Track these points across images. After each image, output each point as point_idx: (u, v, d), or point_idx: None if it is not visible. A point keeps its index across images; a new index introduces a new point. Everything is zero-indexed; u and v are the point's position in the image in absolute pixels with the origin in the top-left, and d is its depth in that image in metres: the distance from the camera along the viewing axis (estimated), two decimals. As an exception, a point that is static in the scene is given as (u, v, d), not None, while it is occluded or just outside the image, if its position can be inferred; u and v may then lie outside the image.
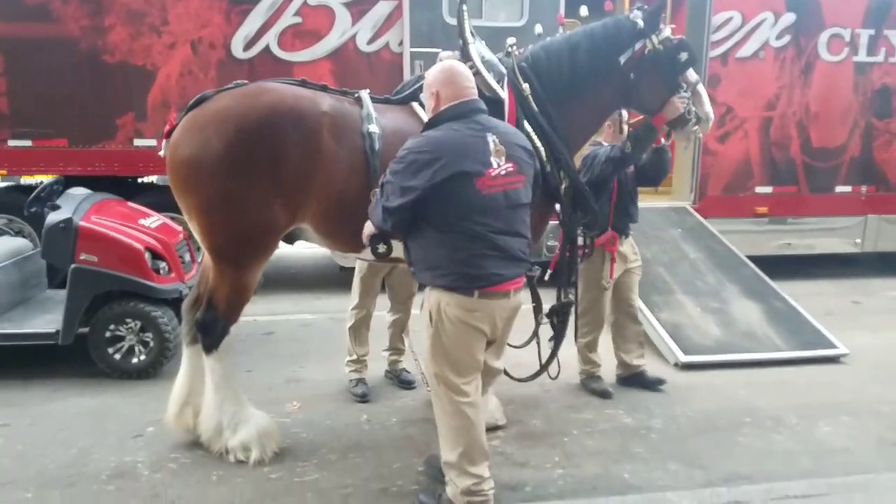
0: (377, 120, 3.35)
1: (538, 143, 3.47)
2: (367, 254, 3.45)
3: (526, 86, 3.57)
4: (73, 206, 4.55)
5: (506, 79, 3.59)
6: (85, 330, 4.56)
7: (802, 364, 5.04)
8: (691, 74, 3.65)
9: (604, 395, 4.42)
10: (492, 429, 3.85)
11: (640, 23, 3.58)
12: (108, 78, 6.13)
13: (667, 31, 3.61)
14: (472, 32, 3.66)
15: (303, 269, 8.34)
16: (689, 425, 4.08)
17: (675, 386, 4.66)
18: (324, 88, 3.50)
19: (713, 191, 7.44)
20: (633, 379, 4.62)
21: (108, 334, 4.54)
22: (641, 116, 3.97)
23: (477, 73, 3.58)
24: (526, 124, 3.50)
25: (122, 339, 4.57)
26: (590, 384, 4.52)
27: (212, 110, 3.26)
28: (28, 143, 6.11)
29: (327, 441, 3.78)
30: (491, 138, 2.77)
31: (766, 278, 6.06)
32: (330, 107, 3.35)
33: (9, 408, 4.15)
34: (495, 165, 2.74)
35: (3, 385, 4.45)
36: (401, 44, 6.43)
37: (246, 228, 3.27)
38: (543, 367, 3.82)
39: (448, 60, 3.11)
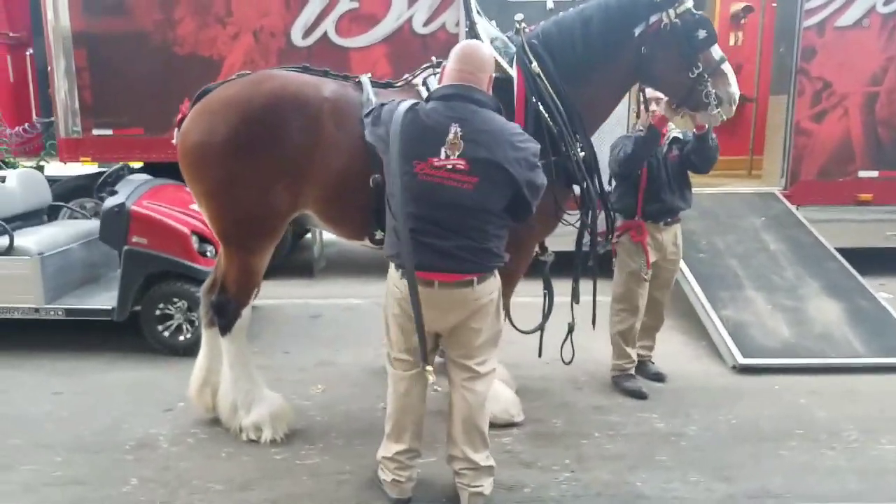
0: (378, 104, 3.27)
1: (549, 123, 3.34)
2: (368, 241, 3.45)
3: (535, 64, 3.38)
4: (129, 191, 4.83)
5: (515, 57, 3.43)
6: (139, 308, 4.84)
7: (882, 372, 4.47)
8: (715, 52, 3.43)
9: (637, 394, 4.14)
10: (506, 426, 3.74)
11: None
12: (178, 69, 6.42)
13: (687, 4, 3.37)
14: (478, 11, 3.52)
15: (359, 253, 8.40)
16: (729, 433, 3.73)
17: (726, 390, 4.29)
18: (325, 74, 3.49)
19: (807, 175, 6.74)
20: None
21: (157, 312, 4.80)
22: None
23: None
24: (538, 103, 3.37)
25: (170, 317, 4.81)
26: (622, 382, 4.24)
27: (219, 98, 3.33)
28: (109, 132, 6.56)
29: (339, 425, 3.80)
30: (454, 129, 2.60)
31: (856, 273, 5.43)
32: (332, 92, 3.34)
33: (66, 377, 4.49)
34: (443, 156, 2.60)
35: (65, 356, 4.81)
36: (458, 24, 6.29)
37: (251, 212, 3.32)
38: (544, 319, 3.79)
39: (468, 41, 2.99)
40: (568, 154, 3.39)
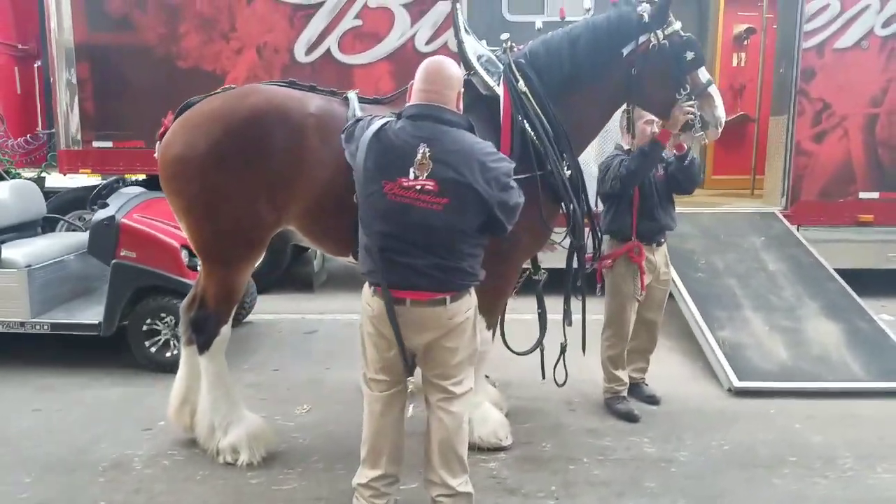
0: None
1: (535, 141, 3.33)
2: (351, 258, 3.40)
3: (522, 83, 3.37)
4: (120, 203, 4.80)
5: (501, 76, 3.42)
6: (126, 323, 4.79)
7: (880, 396, 4.37)
8: (702, 74, 3.49)
9: (629, 417, 4.05)
10: (494, 449, 3.66)
11: (646, 16, 3.38)
12: (180, 83, 6.43)
13: (675, 26, 3.42)
14: (466, 29, 3.50)
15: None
16: (722, 459, 3.63)
17: (721, 413, 4.19)
18: (312, 89, 3.46)
19: (808, 195, 6.68)
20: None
21: (145, 328, 4.74)
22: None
23: (474, 73, 3.45)
24: (523, 122, 3.36)
25: (158, 333, 4.76)
26: (614, 404, 4.15)
27: (201, 111, 3.31)
28: (110, 144, 6.57)
29: (321, 447, 3.71)
30: (422, 149, 2.55)
31: (855, 295, 5.34)
32: (317, 108, 3.30)
33: (49, 393, 4.43)
34: (412, 177, 2.55)
35: (52, 371, 4.77)
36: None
37: (232, 228, 3.28)
38: (540, 339, 3.76)
39: (434, 58, 2.93)
40: (554, 172, 3.35)
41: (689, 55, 3.43)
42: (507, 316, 3.95)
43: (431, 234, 2.59)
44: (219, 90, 3.44)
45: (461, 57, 3.51)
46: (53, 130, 6.87)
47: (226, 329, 3.53)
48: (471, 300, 2.78)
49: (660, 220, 4.05)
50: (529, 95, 3.40)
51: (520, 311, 4.25)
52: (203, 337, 3.49)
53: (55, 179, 7.28)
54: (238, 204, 3.22)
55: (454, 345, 2.75)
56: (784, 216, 6.55)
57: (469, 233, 2.64)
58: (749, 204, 7.24)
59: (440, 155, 2.55)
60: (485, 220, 2.67)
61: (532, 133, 3.35)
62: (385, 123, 2.70)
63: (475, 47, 3.53)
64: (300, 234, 3.45)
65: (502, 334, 3.96)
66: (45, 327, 4.73)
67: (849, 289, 5.41)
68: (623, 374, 4.19)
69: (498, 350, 4.16)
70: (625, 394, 4.19)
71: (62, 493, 3.26)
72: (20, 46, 7.84)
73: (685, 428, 3.98)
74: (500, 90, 3.41)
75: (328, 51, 6.41)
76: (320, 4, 6.35)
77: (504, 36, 3.57)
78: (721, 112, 3.55)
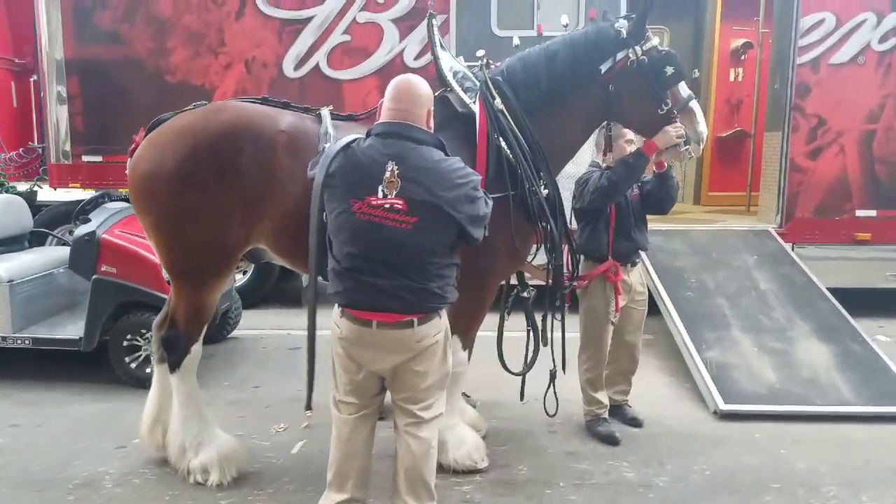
0: (334, 138, 3.20)
1: (511, 160, 3.29)
2: (321, 277, 3.35)
3: (498, 100, 3.32)
4: (102, 219, 4.79)
5: (478, 93, 3.37)
6: (108, 338, 4.76)
7: (871, 421, 4.26)
8: (682, 90, 3.43)
9: (609, 440, 3.97)
10: (469, 472, 3.58)
11: (624, 32, 3.34)
12: (169, 97, 6.42)
13: (653, 42, 3.37)
14: (441, 45, 3.47)
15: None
16: (702, 485, 3.54)
17: (704, 437, 4.10)
18: (286, 105, 3.42)
19: (803, 213, 6.59)
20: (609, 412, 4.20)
21: (125, 343, 4.72)
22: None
23: (450, 90, 3.42)
24: (499, 140, 3.31)
25: (139, 348, 4.73)
26: (594, 426, 4.07)
27: (171, 128, 3.28)
28: (99, 158, 6.58)
29: (294, 468, 3.65)
30: (391, 167, 2.51)
31: (848, 316, 5.24)
32: (288, 125, 3.27)
33: (27, 407, 4.41)
34: (380, 195, 2.50)
35: (30, 386, 4.75)
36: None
37: (201, 245, 3.24)
38: (533, 358, 3.73)
39: (404, 76, 2.88)
40: (530, 191, 3.30)
41: (669, 70, 3.39)
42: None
43: (401, 253, 2.54)
44: (190, 106, 3.42)
45: (437, 73, 3.49)
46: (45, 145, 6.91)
47: (196, 347, 3.49)
48: (440, 323, 2.71)
49: (636, 239, 4.00)
50: (506, 113, 3.36)
51: (508, 329, 4.20)
52: (174, 356, 3.45)
53: (48, 193, 7.27)
54: (206, 222, 3.18)
55: (423, 368, 2.69)
56: (779, 234, 6.47)
57: (439, 252, 2.60)
58: (744, 221, 7.16)
59: (409, 173, 2.51)
60: (455, 238, 2.63)
61: (508, 152, 3.30)
62: (353, 141, 2.67)
63: (451, 63, 3.50)
64: (271, 252, 3.41)
65: (500, 355, 3.93)
66: (27, 342, 4.71)
67: (842, 309, 5.31)
68: (602, 396, 4.12)
69: (481, 370, 4.12)
70: (605, 415, 4.11)
71: (28, 511, 3.22)
72: (17, 61, 7.92)
73: (667, 452, 3.89)
74: (475, 108, 3.38)
75: (317, 66, 6.41)
76: (309, 19, 6.36)
77: (480, 52, 3.54)
78: (703, 127, 3.50)
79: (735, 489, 3.49)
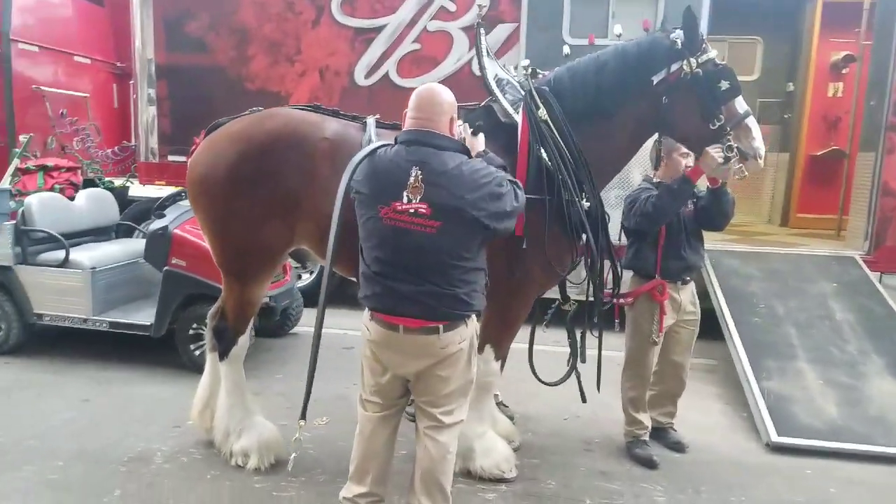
0: None
1: (551, 170, 3.30)
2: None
3: (542, 110, 3.31)
4: (176, 214, 5.11)
5: (521, 102, 3.39)
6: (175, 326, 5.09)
7: (941, 468, 3.94)
8: (739, 105, 3.29)
9: (646, 463, 3.86)
10: (496, 481, 3.60)
11: (679, 42, 3.25)
12: (248, 103, 6.72)
13: (710, 54, 3.26)
14: (488, 54, 3.50)
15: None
16: (736, 518, 3.40)
17: (749, 468, 3.93)
18: (335, 114, 3.56)
19: (893, 240, 6.14)
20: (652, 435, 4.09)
21: (190, 332, 5.02)
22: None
23: (494, 100, 3.46)
24: (540, 150, 3.31)
25: (202, 337, 4.97)
26: (633, 448, 3.97)
27: (225, 133, 3.49)
28: (183, 158, 6.98)
29: (327, 461, 3.79)
30: (415, 172, 2.59)
31: (930, 353, 4.85)
32: (332, 132, 3.40)
33: (98, 386, 4.77)
34: (405, 200, 2.58)
35: (104, 366, 5.13)
36: (515, 67, 6.28)
37: (247, 244, 3.44)
38: (570, 370, 3.74)
39: (426, 85, 2.93)
40: (568, 203, 3.29)
41: (724, 85, 3.28)
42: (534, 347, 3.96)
43: (425, 258, 2.60)
44: (246, 112, 3.61)
45: (483, 82, 3.53)
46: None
47: (243, 339, 3.70)
48: (466, 331, 2.75)
49: (686, 258, 3.87)
50: (550, 123, 3.35)
51: (544, 342, 4.18)
52: (222, 345, 3.67)
53: (138, 189, 7.82)
54: (252, 224, 3.37)
55: (447, 374, 2.74)
56: (865, 262, 6.05)
57: (462, 255, 2.64)
58: (829, 246, 6.75)
59: (431, 177, 2.58)
60: (480, 241, 2.68)
61: (548, 162, 3.29)
62: (378, 148, 2.77)
63: (497, 72, 3.53)
64: (313, 254, 3.55)
65: (531, 366, 3.93)
66: (104, 325, 5.11)
67: (924, 345, 4.92)
68: (644, 418, 4.01)
69: (521, 383, 4.11)
70: (646, 438, 4.01)
71: (84, 478, 3.52)
72: (118, 65, 8.57)
73: (705, 480, 3.75)
74: (518, 117, 3.40)
75: (386, 74, 6.59)
76: (381, 28, 6.53)
77: (525, 62, 3.55)
78: (760, 143, 3.34)
79: (772, 526, 3.33)
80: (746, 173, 3.41)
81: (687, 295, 3.96)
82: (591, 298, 3.58)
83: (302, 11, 6.74)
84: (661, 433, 4.15)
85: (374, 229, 2.66)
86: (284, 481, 3.55)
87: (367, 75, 6.62)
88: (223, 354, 3.68)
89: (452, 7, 6.52)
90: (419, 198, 2.57)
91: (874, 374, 4.69)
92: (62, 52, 8.23)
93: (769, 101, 8.69)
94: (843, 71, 8.25)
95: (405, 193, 2.59)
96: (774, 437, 4.15)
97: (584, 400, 3.80)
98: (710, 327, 5.21)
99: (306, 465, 3.73)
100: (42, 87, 7.81)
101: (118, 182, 7.87)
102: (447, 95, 2.77)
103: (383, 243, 2.64)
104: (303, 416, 2.96)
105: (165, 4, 6.91)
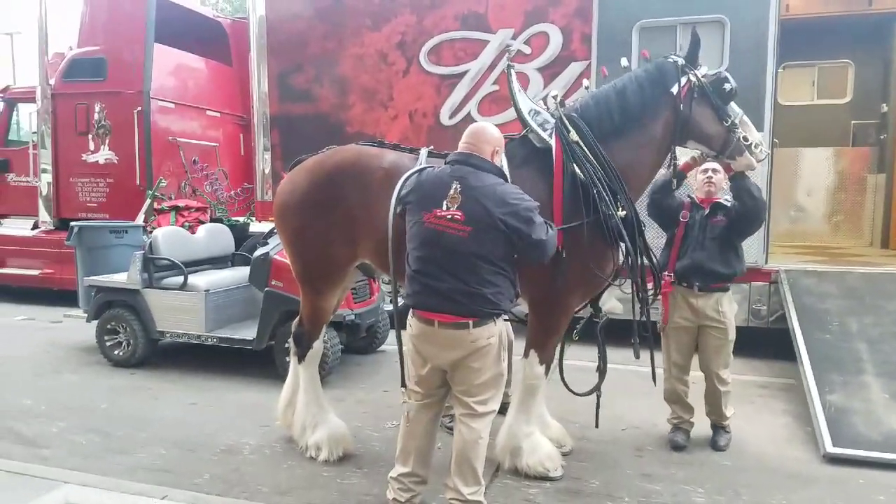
0: None
1: (586, 183, 3.66)
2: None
3: (573, 132, 3.72)
4: (276, 243, 5.85)
5: (553, 128, 3.82)
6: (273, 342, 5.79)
7: None
8: (734, 106, 3.87)
9: (674, 445, 4.32)
10: (541, 478, 3.89)
11: (680, 62, 3.84)
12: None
13: (704, 69, 3.87)
14: (519, 90, 3.95)
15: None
16: (773, 522, 3.50)
17: (797, 476, 3.99)
18: (395, 147, 4.12)
19: None
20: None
21: (286, 345, 5.67)
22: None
23: (530, 130, 3.90)
24: (574, 166, 3.69)
25: (296, 350, 5.67)
26: (669, 433, 4.45)
27: (301, 167, 4.15)
28: (291, 197, 7.86)
29: (391, 457, 4.15)
30: (455, 186, 3.11)
31: None
32: (389, 163, 3.93)
33: (205, 392, 5.51)
34: (444, 208, 3.09)
35: (211, 376, 5.90)
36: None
37: (316, 260, 4.03)
38: (599, 382, 4.05)
39: (478, 122, 3.51)
40: (605, 214, 3.62)
41: (728, 87, 3.85)
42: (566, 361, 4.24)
43: (455, 256, 3.10)
44: (325, 149, 4.24)
45: (517, 114, 3.98)
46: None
47: (318, 344, 4.26)
48: (494, 328, 3.17)
49: (696, 259, 4.18)
50: (581, 143, 3.73)
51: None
52: (300, 349, 4.26)
53: (257, 225, 8.82)
54: (320, 242, 3.96)
55: (478, 365, 3.16)
56: (955, 280, 5.80)
57: (489, 259, 3.11)
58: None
59: (468, 191, 3.11)
60: (506, 250, 3.13)
61: (582, 177, 3.65)
62: (426, 167, 3.37)
63: (529, 106, 3.97)
64: (374, 267, 4.09)
65: (561, 376, 4.19)
66: (215, 340, 5.90)
67: None
68: (678, 409, 4.40)
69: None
70: (684, 426, 4.40)
71: (179, 463, 4.16)
72: (244, 117, 9.74)
73: (748, 484, 3.86)
74: (552, 141, 3.81)
75: (468, 114, 7.13)
76: (464, 73, 7.13)
77: (553, 93, 3.98)
78: (757, 134, 3.93)
79: (807, 529, 3.41)
80: (756, 162, 3.91)
81: (710, 302, 4.21)
82: (637, 297, 3.89)
83: (394, 62, 7.48)
84: (713, 432, 4.44)
85: (418, 233, 3.19)
86: (349, 471, 4.02)
87: (451, 116, 7.22)
88: (301, 357, 4.26)
89: (528, 50, 7.02)
90: (456, 206, 3.09)
91: (948, 391, 4.54)
92: (195, 108, 9.54)
93: (863, 122, 8.47)
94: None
95: (445, 202, 3.11)
96: (830, 448, 4.16)
97: (597, 425, 4.15)
98: (790, 348, 5.34)
99: (371, 458, 4.20)
100: (178, 139, 9.08)
101: (241, 219, 8.92)
102: (493, 130, 3.32)
103: (424, 244, 3.16)
104: (403, 385, 3.46)
105: (279, 61, 7.87)
